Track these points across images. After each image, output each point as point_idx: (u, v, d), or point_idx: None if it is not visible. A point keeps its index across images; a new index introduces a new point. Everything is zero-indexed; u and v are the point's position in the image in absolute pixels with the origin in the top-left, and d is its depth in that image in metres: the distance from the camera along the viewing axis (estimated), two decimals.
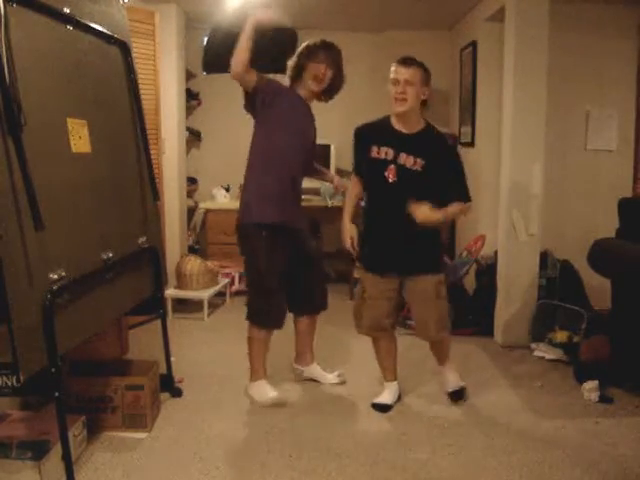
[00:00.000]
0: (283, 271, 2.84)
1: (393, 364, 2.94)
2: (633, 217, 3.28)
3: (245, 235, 2.81)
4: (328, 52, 2.79)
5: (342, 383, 3.13)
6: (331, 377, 3.15)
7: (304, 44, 2.80)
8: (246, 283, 2.96)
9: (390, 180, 2.60)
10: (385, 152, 2.61)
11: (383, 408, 2.84)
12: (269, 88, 2.73)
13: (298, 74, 2.81)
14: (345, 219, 2.83)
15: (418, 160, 2.58)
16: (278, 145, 2.76)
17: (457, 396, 2.94)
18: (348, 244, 2.80)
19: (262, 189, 2.75)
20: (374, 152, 2.64)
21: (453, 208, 2.62)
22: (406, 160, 2.58)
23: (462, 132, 4.94)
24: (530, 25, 3.61)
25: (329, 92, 2.88)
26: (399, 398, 2.94)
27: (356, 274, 2.90)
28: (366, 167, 2.71)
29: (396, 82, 2.55)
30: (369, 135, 2.70)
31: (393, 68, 2.58)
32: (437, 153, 2.63)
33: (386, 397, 2.89)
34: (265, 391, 2.89)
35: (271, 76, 2.83)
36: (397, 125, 2.64)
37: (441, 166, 2.62)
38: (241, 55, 2.59)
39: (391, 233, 2.67)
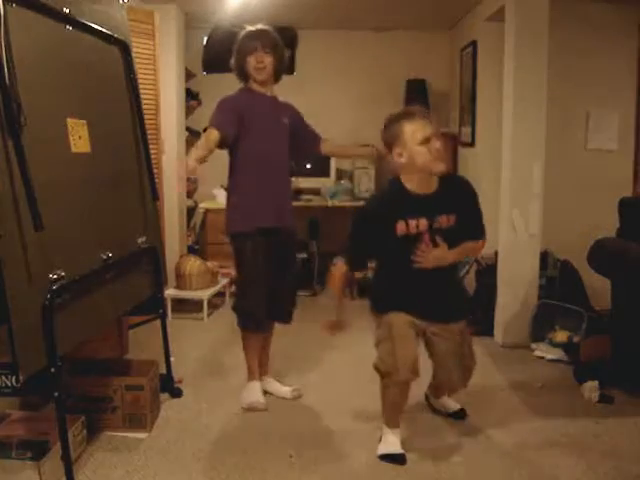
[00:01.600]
0: (266, 274, 2.80)
1: (402, 412, 2.50)
2: (633, 217, 3.28)
3: (233, 241, 2.83)
4: (260, 40, 2.74)
5: (296, 398, 2.97)
6: (285, 391, 2.98)
7: (236, 41, 2.77)
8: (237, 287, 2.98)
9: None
10: (416, 225, 2.31)
11: (399, 459, 2.39)
12: (235, 124, 2.68)
13: (242, 72, 2.79)
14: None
15: (450, 217, 2.36)
16: (245, 155, 2.75)
17: (463, 413, 2.76)
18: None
19: (239, 199, 2.78)
20: (402, 228, 2.30)
21: (467, 247, 2.45)
22: (441, 222, 2.34)
23: (462, 132, 4.94)
24: (530, 25, 3.61)
25: (275, 75, 2.83)
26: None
27: (378, 323, 2.48)
28: (394, 245, 2.35)
29: (428, 140, 2.25)
30: (389, 211, 2.33)
31: (412, 127, 2.26)
32: (462, 200, 2.42)
33: (394, 444, 2.43)
34: (251, 394, 2.88)
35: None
36: (415, 188, 2.34)
37: (467, 210, 2.42)
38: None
39: (423, 289, 2.39)
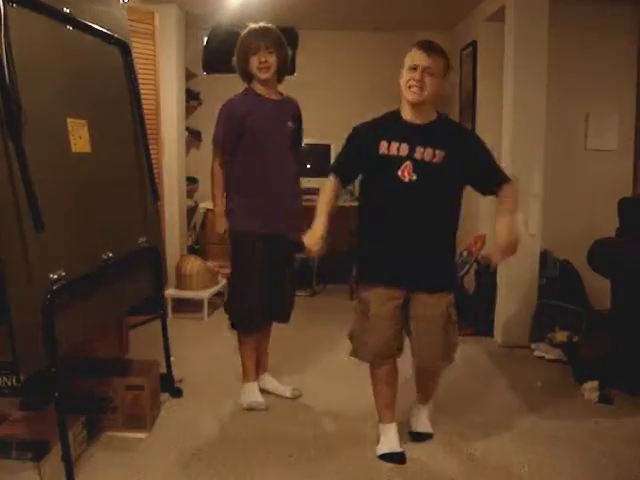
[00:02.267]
0: (265, 275, 2.76)
1: (394, 400, 2.48)
2: (633, 217, 3.28)
3: (232, 239, 2.80)
4: (263, 39, 2.66)
5: (296, 397, 2.96)
6: (284, 389, 2.98)
7: (239, 40, 2.71)
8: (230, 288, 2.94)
9: (406, 179, 2.24)
10: (397, 148, 2.26)
11: (398, 458, 2.39)
12: (237, 136, 2.71)
13: (245, 72, 2.74)
14: (320, 219, 2.30)
15: (437, 152, 2.23)
16: (247, 160, 2.73)
17: (422, 438, 2.56)
18: (315, 247, 2.27)
19: (242, 202, 2.76)
20: (383, 148, 2.28)
21: (512, 202, 2.25)
22: (424, 154, 2.23)
23: None
24: (530, 25, 3.61)
25: (279, 75, 2.77)
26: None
27: (359, 294, 2.44)
28: (373, 167, 2.33)
29: (414, 69, 2.22)
30: (375, 130, 2.34)
31: (412, 53, 2.25)
32: (457, 141, 2.29)
33: (393, 443, 2.43)
34: (249, 394, 2.87)
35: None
36: (408, 117, 2.31)
37: (464, 155, 2.27)
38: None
39: (404, 240, 2.29)
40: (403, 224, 2.29)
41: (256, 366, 2.95)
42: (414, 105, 2.27)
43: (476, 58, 4.56)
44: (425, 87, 2.21)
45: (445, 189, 2.28)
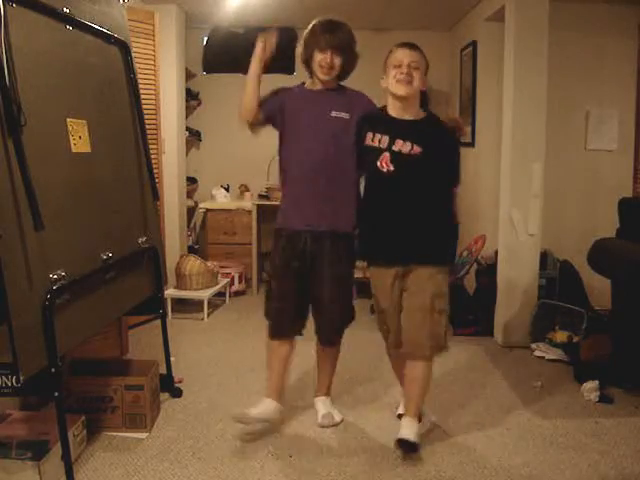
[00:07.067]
0: (296, 278, 2.55)
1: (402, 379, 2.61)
2: (633, 217, 3.28)
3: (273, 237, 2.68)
4: (331, 36, 2.47)
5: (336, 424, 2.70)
6: (336, 416, 2.73)
7: (309, 28, 2.53)
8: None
9: (384, 169, 2.37)
10: (379, 140, 2.39)
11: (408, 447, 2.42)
12: (273, 109, 2.54)
13: (308, 65, 2.55)
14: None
15: (415, 146, 2.34)
16: (288, 151, 2.59)
17: (408, 448, 2.40)
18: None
19: (282, 197, 2.65)
20: (369, 139, 2.42)
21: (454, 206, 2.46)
22: (402, 146, 2.35)
23: None
24: (530, 25, 3.61)
25: (341, 77, 2.59)
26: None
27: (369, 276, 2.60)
28: (362, 156, 2.47)
29: (400, 65, 2.32)
30: (364, 122, 2.47)
31: (395, 53, 2.37)
32: (436, 139, 2.39)
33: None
34: (255, 407, 2.61)
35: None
36: (394, 113, 2.42)
37: (440, 152, 2.39)
38: (248, 104, 2.47)
39: (389, 225, 2.43)
40: (386, 210, 2.44)
41: (278, 384, 2.66)
42: (402, 99, 2.37)
43: (476, 58, 4.56)
44: (413, 80, 2.32)
45: (421, 178, 2.39)
